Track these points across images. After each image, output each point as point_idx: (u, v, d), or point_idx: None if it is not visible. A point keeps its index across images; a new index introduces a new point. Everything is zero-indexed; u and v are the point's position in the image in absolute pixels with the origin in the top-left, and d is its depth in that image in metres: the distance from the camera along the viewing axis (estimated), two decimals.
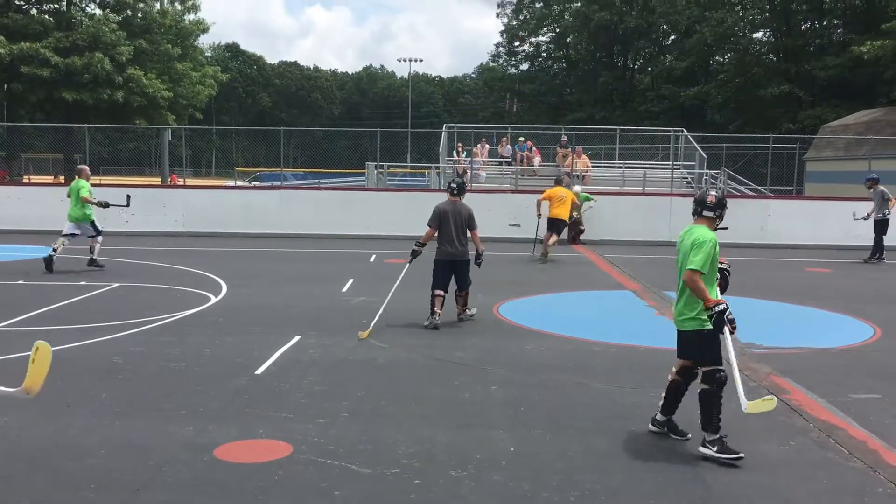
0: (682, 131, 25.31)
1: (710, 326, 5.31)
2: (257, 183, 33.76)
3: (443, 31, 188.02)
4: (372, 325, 8.99)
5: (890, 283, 14.24)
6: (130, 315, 9.49)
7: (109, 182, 24.37)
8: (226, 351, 7.94)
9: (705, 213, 5.51)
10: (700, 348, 5.43)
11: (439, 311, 9.27)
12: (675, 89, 46.59)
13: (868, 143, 24.23)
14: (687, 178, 24.25)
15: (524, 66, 63.54)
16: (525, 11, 61.80)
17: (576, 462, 5.13)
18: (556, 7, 58.24)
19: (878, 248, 16.90)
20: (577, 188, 19.15)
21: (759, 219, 19.61)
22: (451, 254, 9.41)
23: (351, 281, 12.61)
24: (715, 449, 5.23)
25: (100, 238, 13.68)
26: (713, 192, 5.66)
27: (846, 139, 26.09)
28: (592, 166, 24.86)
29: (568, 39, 59.70)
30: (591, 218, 19.76)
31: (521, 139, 25.71)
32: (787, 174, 26.86)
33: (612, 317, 10.61)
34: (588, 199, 19.69)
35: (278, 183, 23.88)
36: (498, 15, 64.87)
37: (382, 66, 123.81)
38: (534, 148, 25.93)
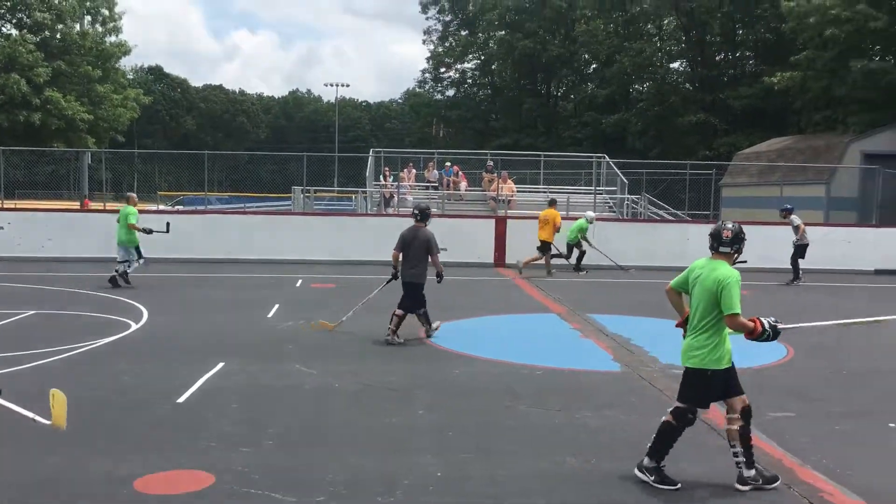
0: (604, 157, 25.94)
1: (714, 368, 5.29)
2: (180, 207, 33.06)
3: (369, 56, 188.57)
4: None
5: (803, 304, 14.82)
6: (46, 343, 9.15)
7: (25, 206, 23.49)
8: (146, 379, 7.73)
9: (722, 248, 5.40)
10: (693, 385, 5.35)
11: (392, 327, 9.83)
12: (597, 116, 47.77)
13: (780, 170, 25.27)
14: (609, 202, 24.81)
15: (450, 92, 64.26)
16: (451, 39, 62.60)
17: (505, 486, 5.16)
18: (480, 35, 59.17)
19: (795, 272, 17.58)
20: (590, 214, 19.35)
21: (679, 243, 20.13)
22: (407, 275, 9.99)
23: (277, 306, 12.44)
24: (652, 478, 5.27)
25: (141, 261, 14.92)
26: (729, 227, 5.45)
27: (759, 166, 27.16)
28: (518, 191, 25.22)
29: (493, 66, 60.66)
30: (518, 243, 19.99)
31: (448, 164, 25.92)
32: (704, 199, 27.73)
33: (538, 340, 10.73)
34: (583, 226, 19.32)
35: (202, 207, 23.43)
36: (424, 42, 65.43)
37: (309, 90, 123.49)
38: (460, 173, 26.17)
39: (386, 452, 5.74)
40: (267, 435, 6.05)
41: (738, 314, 5.14)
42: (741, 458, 5.23)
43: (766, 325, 5.26)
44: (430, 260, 10.00)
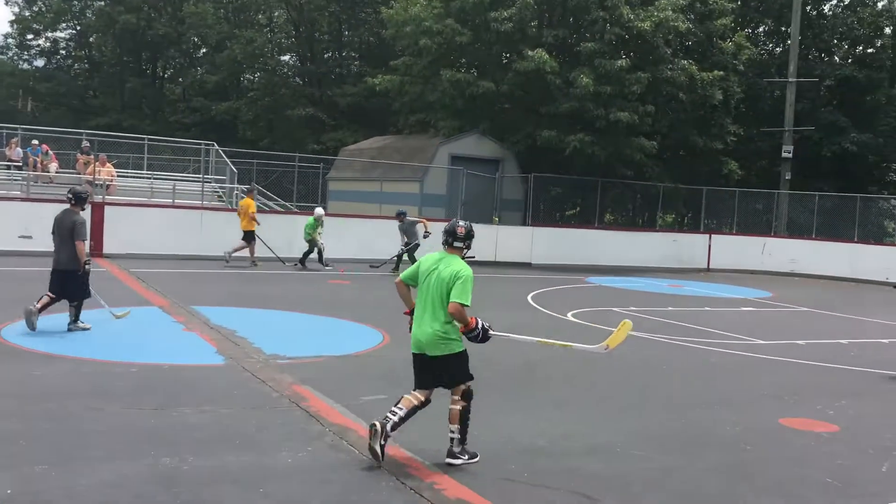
0: (213, 145, 25.29)
1: (462, 348, 5.73)
2: None
3: None
4: None
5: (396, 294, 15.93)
6: None
7: None
8: None
9: (455, 243, 5.81)
10: (457, 369, 5.73)
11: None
12: (206, 103, 46.40)
13: (380, 167, 26.93)
14: (218, 192, 24.27)
15: (40, 63, 57.46)
16: (40, 3, 56.01)
17: (85, 498, 4.71)
18: (76, 3, 53.86)
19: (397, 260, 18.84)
20: (318, 210, 19.04)
21: (287, 233, 20.38)
22: (56, 261, 9.66)
23: None
24: (467, 457, 5.70)
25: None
26: (462, 224, 5.88)
27: (362, 162, 28.66)
28: (118, 176, 23.46)
29: (91, 39, 55.61)
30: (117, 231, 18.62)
31: (35, 142, 23.18)
32: (312, 192, 28.50)
33: (136, 335, 10.03)
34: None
35: None
36: (7, 3, 57.55)
37: None
38: (50, 152, 23.57)
39: None
40: None
41: (467, 305, 5.55)
42: (457, 436, 5.70)
43: (480, 325, 5.70)
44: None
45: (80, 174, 22.62)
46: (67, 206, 9.73)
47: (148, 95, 53.43)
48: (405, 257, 18.43)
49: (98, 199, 19.97)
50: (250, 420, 6.45)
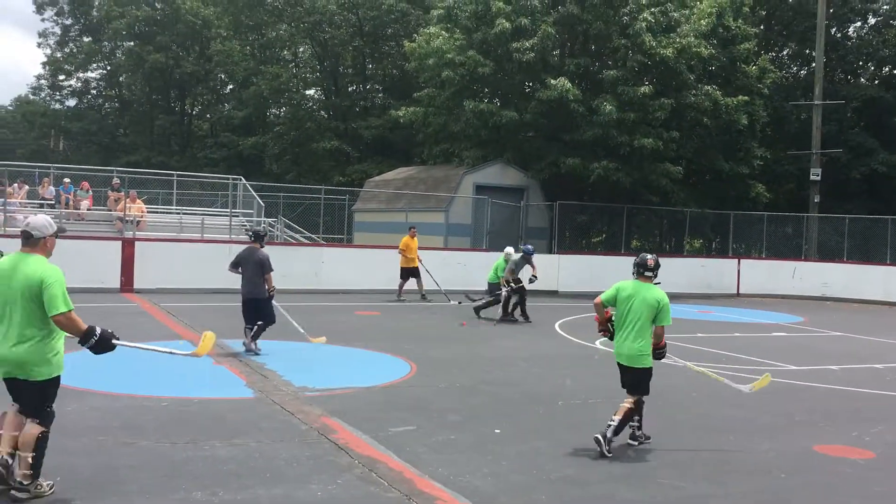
0: (241, 179, 25.62)
1: (651, 365, 7.05)
2: None
3: None
4: None
5: (426, 324, 15.97)
6: None
7: None
8: None
9: (646, 273, 7.04)
10: (642, 382, 7.03)
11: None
12: (233, 138, 47.11)
13: (405, 197, 27.10)
14: (245, 225, 24.53)
15: (71, 102, 58.77)
16: (72, 44, 57.40)
17: None
18: (106, 44, 55.11)
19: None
20: (508, 249, 17.25)
21: (314, 265, 20.56)
22: (246, 292, 11.22)
23: None
24: (642, 439, 7.18)
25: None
26: (650, 257, 7.13)
27: (387, 193, 28.87)
28: (148, 212, 23.85)
29: (121, 78, 56.82)
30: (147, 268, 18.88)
31: (67, 180, 23.65)
32: (338, 223, 28.76)
33: (166, 369, 10.12)
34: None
35: None
36: (40, 45, 59.04)
37: None
38: (89, 191, 24.07)
39: None
40: None
41: (669, 325, 6.99)
42: (615, 425, 6.81)
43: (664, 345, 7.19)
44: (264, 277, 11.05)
45: (110, 211, 23.03)
46: (252, 243, 11.38)
47: (176, 132, 54.39)
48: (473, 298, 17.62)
49: (129, 235, 20.30)
50: (280, 453, 6.48)
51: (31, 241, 5.35)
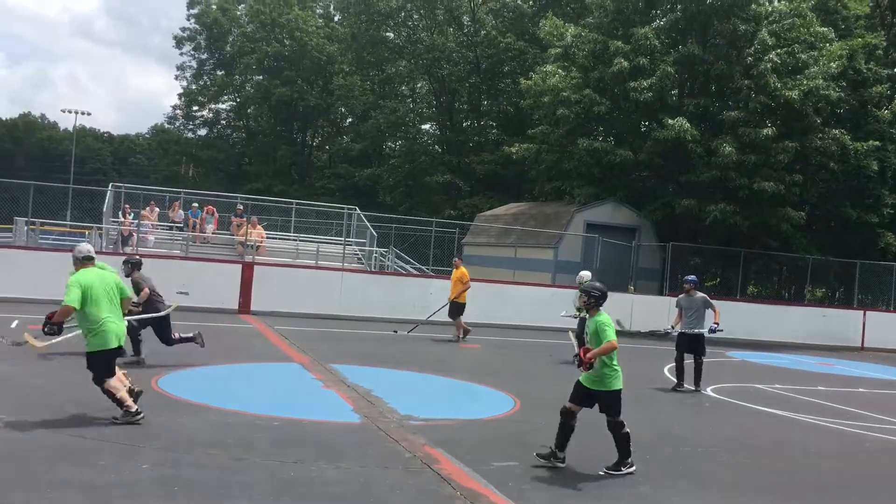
0: (355, 209, 26.33)
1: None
2: None
3: (108, 85, 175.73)
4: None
5: (528, 359, 15.87)
6: None
7: None
8: None
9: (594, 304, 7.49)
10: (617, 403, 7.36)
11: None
12: (350, 169, 48.56)
13: (515, 233, 27.14)
14: (358, 254, 25.14)
15: (202, 132, 62.17)
16: (206, 77, 60.85)
17: None
18: (237, 77, 58.13)
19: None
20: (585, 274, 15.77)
21: (422, 296, 20.81)
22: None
23: None
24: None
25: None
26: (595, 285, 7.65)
27: (497, 227, 29.00)
28: (267, 237, 24.81)
29: (249, 110, 59.71)
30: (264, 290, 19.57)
31: (195, 205, 24.94)
32: (447, 256, 29.01)
33: (278, 390, 10.50)
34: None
35: None
36: (177, 77, 62.77)
37: (44, 115, 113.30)
38: (215, 214, 25.34)
39: None
40: None
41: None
42: None
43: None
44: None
45: (233, 235, 24.09)
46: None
47: (297, 162, 56.49)
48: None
49: (249, 259, 21.15)
50: (384, 479, 6.57)
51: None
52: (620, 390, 7.33)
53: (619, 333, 7.47)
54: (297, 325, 17.64)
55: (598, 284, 7.72)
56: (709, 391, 12.88)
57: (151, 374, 10.18)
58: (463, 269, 18.00)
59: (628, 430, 7.28)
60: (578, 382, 7.42)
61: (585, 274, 15.62)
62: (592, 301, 7.46)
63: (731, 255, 26.43)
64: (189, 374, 10.72)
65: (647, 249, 26.14)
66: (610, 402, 7.28)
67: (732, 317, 23.91)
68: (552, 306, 20.75)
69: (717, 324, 12.76)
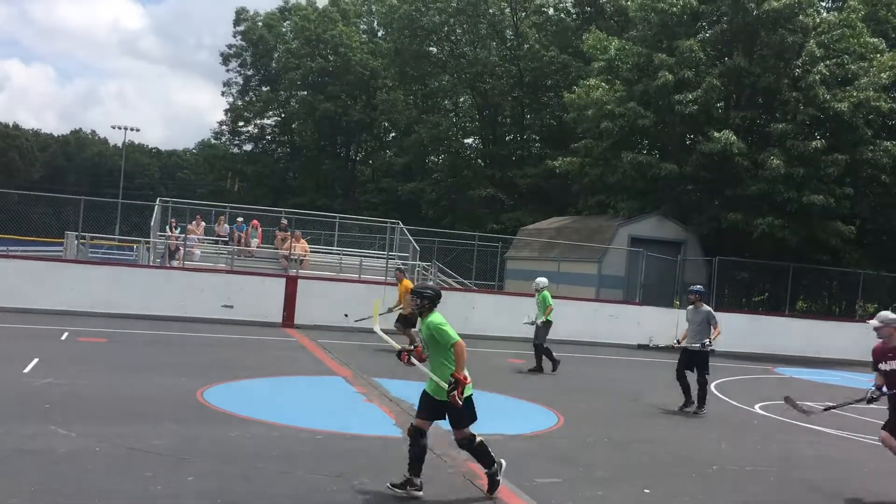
0: (398, 223, 26.44)
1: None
2: None
3: (155, 102, 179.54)
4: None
5: (571, 376, 15.72)
6: None
7: None
8: None
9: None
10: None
11: None
12: (393, 183, 48.82)
13: (558, 247, 27.00)
14: (400, 267, 25.18)
15: (248, 147, 63.10)
16: (251, 93, 61.82)
17: None
18: (282, 93, 58.96)
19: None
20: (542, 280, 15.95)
21: (465, 310, 20.78)
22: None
23: (36, 360, 11.33)
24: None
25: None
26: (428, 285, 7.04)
27: (540, 241, 28.87)
28: (311, 251, 25.03)
29: (293, 125, 60.46)
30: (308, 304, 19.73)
31: (240, 219, 25.28)
32: (490, 270, 28.98)
33: (321, 403, 10.56)
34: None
35: None
36: (223, 94, 63.88)
37: (94, 131, 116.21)
38: (259, 228, 25.65)
39: None
40: None
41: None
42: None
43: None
44: None
45: (277, 249, 24.35)
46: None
47: (340, 176, 56.97)
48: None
49: (292, 272, 21.35)
50: (425, 493, 6.54)
51: None
52: (471, 397, 6.60)
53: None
54: (340, 339, 17.74)
55: (430, 284, 7.31)
56: (756, 408, 12.62)
57: (196, 385, 10.31)
58: (406, 281, 17.40)
59: (480, 438, 6.69)
60: (425, 393, 6.67)
61: (542, 280, 15.64)
62: (426, 303, 6.61)
63: (779, 269, 25.94)
64: (234, 387, 10.83)
65: (692, 264, 25.79)
66: (458, 413, 6.46)
67: (780, 332, 23.55)
68: (595, 322, 20.61)
69: (710, 341, 11.58)
